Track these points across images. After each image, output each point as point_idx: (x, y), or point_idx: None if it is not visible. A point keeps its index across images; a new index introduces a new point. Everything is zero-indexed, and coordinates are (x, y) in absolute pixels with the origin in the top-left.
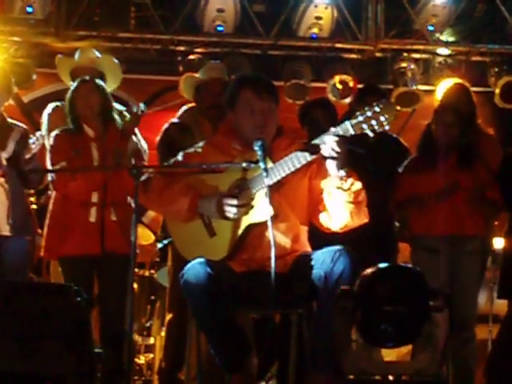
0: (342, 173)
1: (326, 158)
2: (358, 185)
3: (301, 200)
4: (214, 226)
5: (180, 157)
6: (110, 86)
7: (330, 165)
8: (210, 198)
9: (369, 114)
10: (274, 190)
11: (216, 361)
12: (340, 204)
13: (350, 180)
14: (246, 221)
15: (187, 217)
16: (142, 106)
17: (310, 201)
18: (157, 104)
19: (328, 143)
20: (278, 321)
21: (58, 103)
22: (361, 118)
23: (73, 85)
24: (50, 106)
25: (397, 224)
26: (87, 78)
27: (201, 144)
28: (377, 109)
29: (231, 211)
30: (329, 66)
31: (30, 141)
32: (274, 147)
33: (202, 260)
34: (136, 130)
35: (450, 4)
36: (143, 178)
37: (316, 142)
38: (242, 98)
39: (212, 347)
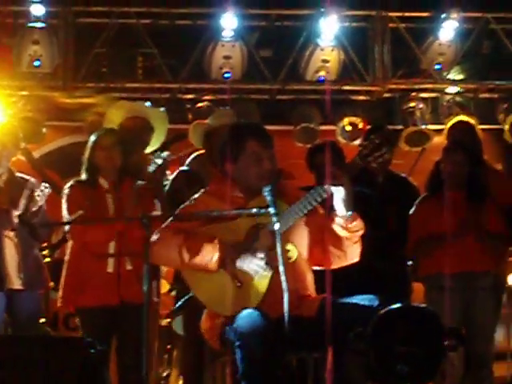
0: (350, 213)
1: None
2: (362, 226)
3: (304, 242)
4: (240, 275)
5: (178, 211)
6: (157, 139)
7: (339, 204)
8: (235, 249)
9: (371, 146)
10: (288, 233)
11: None
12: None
13: (356, 221)
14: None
15: (215, 269)
16: (163, 154)
17: (316, 242)
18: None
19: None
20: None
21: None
22: (365, 152)
23: (93, 136)
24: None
25: (409, 264)
26: (109, 129)
27: (196, 196)
28: (377, 141)
29: (257, 268)
30: (337, 108)
31: (35, 193)
32: (286, 189)
33: (254, 311)
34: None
35: (455, 42)
36: (154, 237)
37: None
38: (248, 150)
39: None
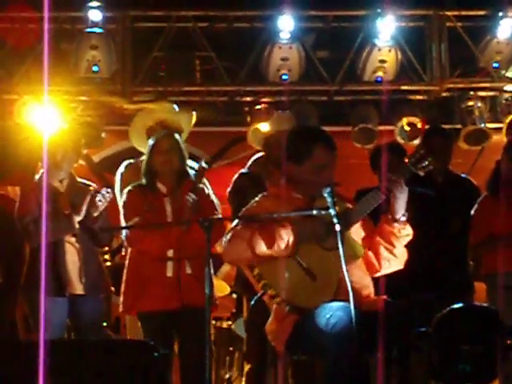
0: (404, 218)
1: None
2: (411, 231)
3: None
4: (312, 268)
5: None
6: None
7: (398, 207)
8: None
9: (417, 156)
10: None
11: None
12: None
13: (405, 227)
14: (336, 265)
15: (292, 250)
16: (203, 164)
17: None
18: (225, 157)
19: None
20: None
21: (132, 160)
22: (413, 160)
23: (153, 140)
24: (123, 164)
25: (471, 263)
26: (167, 132)
27: (256, 199)
28: (422, 151)
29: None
30: (396, 108)
31: (97, 198)
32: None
33: (343, 304)
34: (207, 183)
35: None
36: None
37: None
38: (315, 155)
39: None
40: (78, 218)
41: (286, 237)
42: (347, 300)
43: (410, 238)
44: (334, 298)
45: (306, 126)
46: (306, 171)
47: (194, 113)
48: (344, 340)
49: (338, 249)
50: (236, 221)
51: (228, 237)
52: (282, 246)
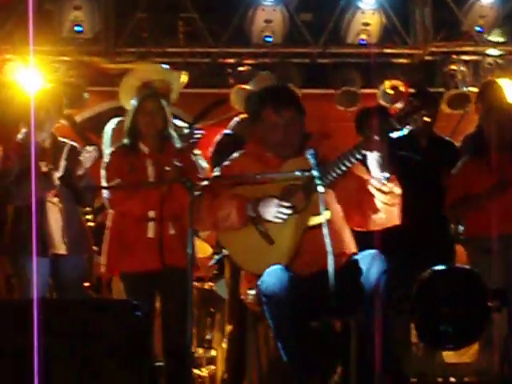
0: (386, 175)
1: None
2: (398, 190)
3: (343, 199)
4: (272, 232)
5: (217, 172)
6: (172, 100)
7: (374, 166)
8: (259, 199)
9: (409, 109)
10: (327, 191)
11: (291, 368)
12: (377, 205)
13: (391, 184)
14: (302, 225)
15: (239, 222)
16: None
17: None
18: (208, 118)
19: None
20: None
21: (120, 118)
22: (402, 113)
23: (136, 100)
24: (113, 121)
25: (453, 226)
26: (151, 93)
27: (236, 155)
28: (416, 103)
29: (283, 212)
30: (379, 71)
31: (81, 156)
32: (322, 150)
33: (280, 267)
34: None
35: (497, 4)
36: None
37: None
38: (263, 116)
39: (286, 354)
40: (57, 174)
41: (230, 208)
42: (317, 261)
43: (399, 194)
44: (301, 258)
45: (264, 87)
46: (262, 130)
47: (184, 73)
48: (275, 300)
49: (304, 210)
50: (207, 182)
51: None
52: (225, 215)
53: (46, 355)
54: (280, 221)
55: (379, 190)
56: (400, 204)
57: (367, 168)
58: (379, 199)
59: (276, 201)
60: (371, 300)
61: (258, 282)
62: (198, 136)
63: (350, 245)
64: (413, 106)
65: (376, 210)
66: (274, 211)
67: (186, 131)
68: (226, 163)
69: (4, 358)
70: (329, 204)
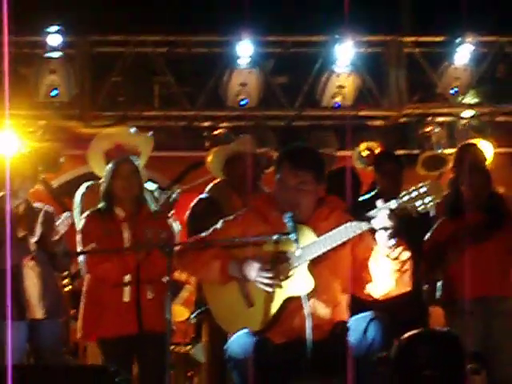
0: (392, 242)
1: (376, 231)
2: (407, 254)
3: (344, 269)
4: (253, 295)
5: (220, 224)
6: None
7: (380, 235)
8: (243, 261)
9: (414, 194)
10: (318, 260)
11: None
12: (386, 272)
13: (399, 249)
14: (283, 294)
15: (220, 279)
16: (174, 195)
17: (353, 269)
18: (183, 183)
19: (380, 216)
20: None
21: (92, 182)
22: (406, 198)
23: (112, 164)
24: (83, 186)
25: (425, 288)
26: (126, 158)
27: (242, 211)
28: (422, 189)
29: (264, 282)
30: (354, 133)
31: (57, 222)
32: (314, 218)
33: (246, 331)
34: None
35: (471, 66)
36: (177, 248)
37: (370, 214)
38: (280, 172)
39: None
40: (33, 240)
41: (213, 265)
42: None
43: (408, 259)
44: (279, 323)
45: (290, 145)
46: (277, 186)
47: (152, 136)
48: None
49: (287, 278)
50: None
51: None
52: (208, 272)
53: None
54: (260, 286)
55: (388, 256)
56: (411, 269)
57: (373, 235)
58: (388, 266)
59: (257, 265)
60: (363, 361)
61: (225, 347)
62: (175, 198)
63: (340, 312)
64: (420, 193)
65: (384, 278)
66: (254, 275)
67: (157, 194)
68: (230, 218)
69: None
70: (319, 272)
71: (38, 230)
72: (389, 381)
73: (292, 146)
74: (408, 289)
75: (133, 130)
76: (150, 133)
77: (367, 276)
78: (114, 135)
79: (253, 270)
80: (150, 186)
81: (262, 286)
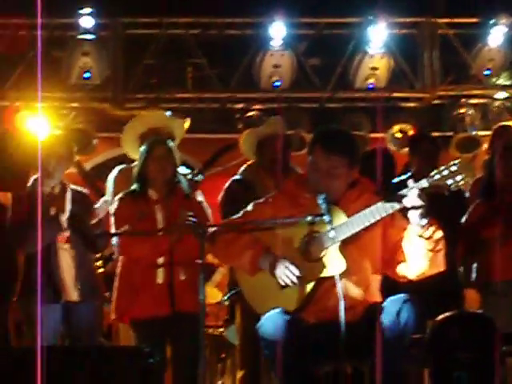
0: (425, 221)
1: (408, 210)
2: (439, 233)
3: (375, 250)
4: None
5: (250, 207)
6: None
7: (412, 215)
8: (272, 257)
9: (445, 172)
10: (349, 241)
11: None
12: (419, 252)
13: (432, 228)
14: (316, 274)
15: (250, 272)
16: (199, 176)
17: (385, 250)
18: (217, 165)
19: (411, 195)
20: (350, 373)
21: (125, 165)
22: (437, 177)
23: (146, 146)
24: (117, 169)
25: (461, 270)
26: (161, 139)
27: (273, 193)
28: (453, 168)
29: (286, 280)
30: (387, 115)
31: (96, 206)
32: (344, 199)
33: (278, 310)
34: (199, 192)
35: (505, 47)
36: (210, 230)
37: (401, 193)
38: (313, 155)
39: None
40: (64, 217)
41: (244, 258)
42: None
43: (439, 241)
44: (312, 304)
45: (324, 127)
46: (309, 168)
47: (188, 119)
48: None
49: (320, 260)
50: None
51: (215, 237)
52: (239, 263)
53: None
54: (283, 283)
55: (421, 236)
56: (444, 249)
57: (405, 216)
58: (421, 246)
59: (286, 263)
60: (396, 344)
61: (257, 326)
62: (198, 180)
63: (373, 294)
64: (451, 171)
65: (418, 259)
66: (280, 272)
67: (189, 177)
68: (260, 201)
69: None
70: (350, 253)
71: (68, 207)
72: (422, 363)
73: (326, 128)
74: (441, 269)
75: (168, 113)
76: (187, 118)
77: (400, 257)
78: (150, 118)
79: (279, 267)
80: (184, 170)
81: (281, 282)
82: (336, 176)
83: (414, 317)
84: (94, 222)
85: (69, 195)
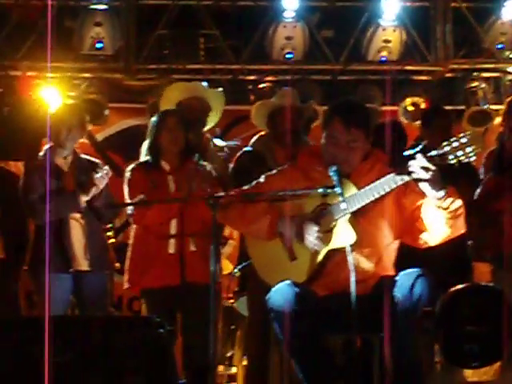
0: (441, 193)
1: (419, 181)
2: (458, 202)
3: (387, 221)
4: (295, 249)
5: (262, 178)
6: (211, 120)
7: (426, 187)
8: (291, 219)
9: (455, 144)
10: (360, 214)
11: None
12: (441, 221)
13: (450, 199)
14: (326, 246)
15: (267, 236)
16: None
17: (402, 220)
18: (228, 137)
19: (419, 166)
20: (360, 345)
21: None
22: (447, 149)
23: (157, 117)
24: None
25: (469, 243)
26: (174, 110)
27: (285, 166)
28: (464, 140)
29: (310, 239)
30: (399, 88)
31: (97, 175)
32: (357, 171)
33: (288, 282)
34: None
35: None
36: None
37: (409, 164)
38: (331, 128)
39: (300, 369)
40: (84, 198)
41: (262, 222)
42: (349, 278)
43: (458, 208)
44: (322, 276)
45: (341, 100)
46: (325, 141)
47: (222, 92)
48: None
49: (331, 231)
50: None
51: (227, 205)
52: (256, 228)
53: (68, 372)
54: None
55: (440, 207)
56: (464, 212)
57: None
58: (441, 216)
59: (304, 224)
60: (409, 318)
61: (266, 297)
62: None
63: (386, 267)
64: (461, 143)
65: (439, 226)
66: (297, 233)
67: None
68: (273, 173)
69: (25, 373)
70: (360, 225)
71: (93, 191)
72: (433, 336)
73: (343, 100)
74: (462, 231)
75: (204, 83)
76: (220, 89)
77: (420, 225)
78: (189, 87)
79: (306, 230)
80: (220, 142)
81: (306, 243)
82: (354, 149)
83: (427, 291)
84: (95, 192)
85: (94, 175)
